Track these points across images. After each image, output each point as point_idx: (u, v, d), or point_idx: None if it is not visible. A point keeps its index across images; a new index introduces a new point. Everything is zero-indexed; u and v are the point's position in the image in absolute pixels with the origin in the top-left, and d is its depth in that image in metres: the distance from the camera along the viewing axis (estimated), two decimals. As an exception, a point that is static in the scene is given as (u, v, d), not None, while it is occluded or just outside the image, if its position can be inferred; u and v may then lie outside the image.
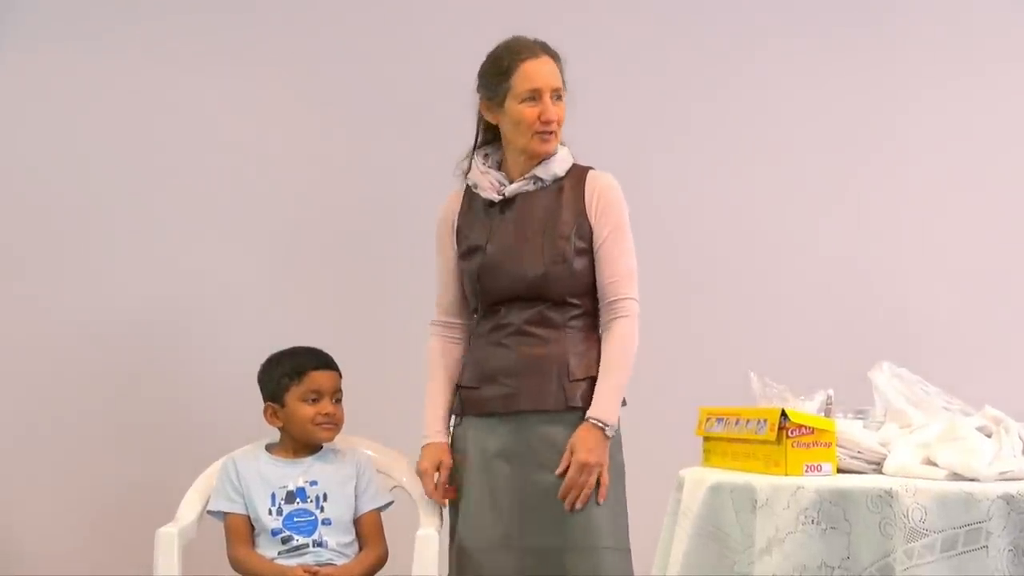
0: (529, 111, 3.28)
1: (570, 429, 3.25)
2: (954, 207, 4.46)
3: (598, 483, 3.24)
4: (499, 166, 3.40)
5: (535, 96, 3.28)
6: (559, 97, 3.31)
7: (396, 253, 4.29)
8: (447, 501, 3.42)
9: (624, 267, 3.31)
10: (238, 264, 4.32)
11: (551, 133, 3.31)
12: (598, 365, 3.29)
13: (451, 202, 3.46)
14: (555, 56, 3.33)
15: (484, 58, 3.36)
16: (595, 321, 3.36)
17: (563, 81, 3.32)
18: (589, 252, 3.31)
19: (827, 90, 4.47)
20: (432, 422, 3.41)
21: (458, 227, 3.42)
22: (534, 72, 3.28)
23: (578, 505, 3.21)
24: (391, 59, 4.36)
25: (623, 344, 3.28)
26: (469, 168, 3.42)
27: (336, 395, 3.55)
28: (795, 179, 4.45)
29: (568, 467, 3.22)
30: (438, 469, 3.37)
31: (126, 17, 4.31)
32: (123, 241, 4.29)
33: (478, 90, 3.37)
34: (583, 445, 3.22)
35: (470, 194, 3.42)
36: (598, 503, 3.25)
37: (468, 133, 3.42)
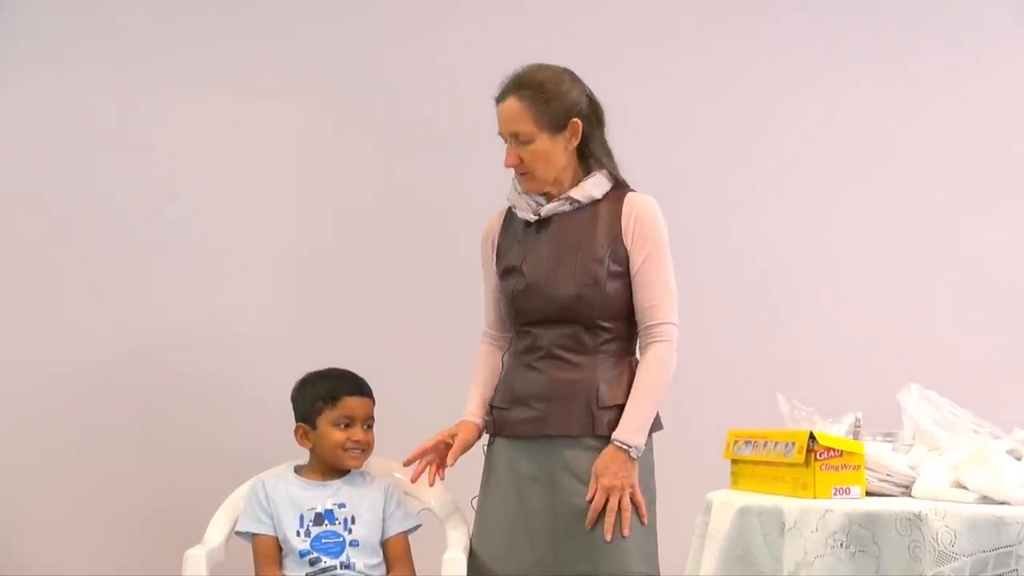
0: (505, 154, 3.32)
1: (596, 455, 3.23)
2: (984, 229, 4.44)
3: (634, 505, 3.21)
4: None
5: (504, 139, 3.31)
6: (525, 141, 3.26)
7: (429, 275, 4.30)
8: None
9: (663, 291, 3.28)
10: (269, 286, 4.33)
11: (523, 175, 3.31)
12: (629, 392, 3.26)
13: (493, 222, 3.47)
14: (525, 94, 3.26)
15: None
16: (628, 346, 3.34)
17: (536, 119, 3.25)
18: (623, 276, 3.29)
19: (859, 111, 4.47)
20: (470, 405, 3.44)
21: (497, 247, 3.43)
22: (499, 117, 3.31)
23: (608, 531, 3.17)
24: (422, 78, 4.38)
25: (658, 369, 3.26)
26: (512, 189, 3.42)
27: (368, 421, 3.55)
28: (824, 201, 4.44)
29: (596, 493, 3.20)
30: (450, 440, 3.39)
31: (161, 42, 4.33)
32: (153, 264, 4.31)
33: None
34: (607, 470, 3.20)
35: (510, 214, 3.43)
36: (643, 524, 3.22)
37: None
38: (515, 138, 3.28)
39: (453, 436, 3.39)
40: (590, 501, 3.20)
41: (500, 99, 3.30)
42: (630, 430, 3.21)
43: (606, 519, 3.18)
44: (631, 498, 3.20)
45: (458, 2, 4.44)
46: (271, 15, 4.40)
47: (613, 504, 3.18)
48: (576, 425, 3.25)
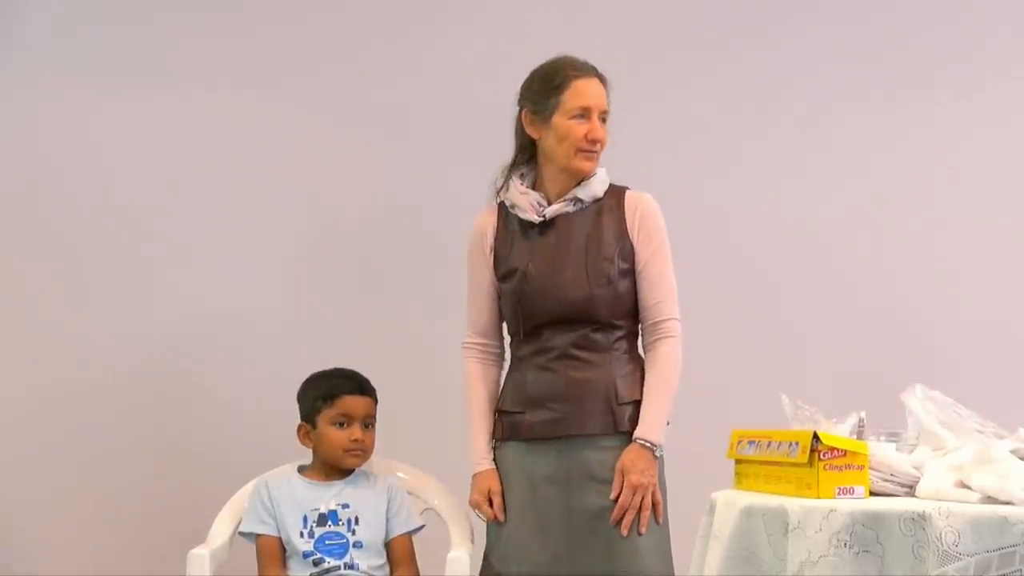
0: (578, 127, 3.26)
1: (618, 452, 3.23)
2: (989, 229, 4.44)
3: (652, 505, 3.22)
4: (533, 186, 3.38)
5: (584, 114, 3.27)
6: (604, 120, 3.30)
7: (431, 275, 4.29)
8: (486, 524, 3.38)
9: (667, 287, 3.30)
10: (273, 285, 4.34)
11: (594, 153, 3.29)
12: (642, 387, 3.27)
13: (484, 221, 3.43)
14: (604, 79, 3.33)
15: (530, 73, 3.35)
16: (636, 342, 3.35)
17: (609, 106, 3.32)
18: (631, 273, 3.30)
19: (864, 110, 4.46)
20: (479, 449, 3.36)
21: (495, 248, 3.39)
22: (586, 90, 3.28)
23: (627, 528, 3.17)
24: (421, 77, 4.38)
25: (670, 365, 3.27)
26: (503, 186, 3.40)
27: (367, 420, 3.54)
28: (829, 202, 4.44)
29: (621, 490, 3.20)
30: (490, 497, 3.32)
31: (160, 42, 4.35)
32: (157, 263, 4.31)
33: (522, 104, 3.35)
34: (634, 467, 3.20)
35: (505, 213, 3.40)
36: (658, 523, 3.23)
37: (497, 150, 3.41)
38: (602, 116, 3.30)
39: (488, 495, 3.33)
40: (615, 499, 3.20)
41: (585, 75, 3.30)
42: (651, 428, 3.22)
43: (627, 516, 3.19)
44: (652, 498, 3.22)
45: (458, 2, 4.44)
46: (267, 15, 4.40)
47: (637, 502, 3.19)
48: (597, 423, 3.24)
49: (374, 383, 3.57)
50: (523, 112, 3.35)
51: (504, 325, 3.43)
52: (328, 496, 3.51)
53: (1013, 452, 2.86)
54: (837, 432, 2.94)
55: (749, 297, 4.39)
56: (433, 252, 4.29)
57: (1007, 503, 2.68)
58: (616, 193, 3.36)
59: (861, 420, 3.05)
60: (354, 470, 3.55)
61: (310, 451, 3.57)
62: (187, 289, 4.31)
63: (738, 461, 3.19)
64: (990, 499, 2.70)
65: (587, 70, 3.31)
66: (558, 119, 3.28)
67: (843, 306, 4.41)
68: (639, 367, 3.31)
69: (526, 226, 3.36)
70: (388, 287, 4.35)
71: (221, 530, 3.54)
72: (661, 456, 3.26)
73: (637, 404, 3.26)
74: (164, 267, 4.32)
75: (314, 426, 3.52)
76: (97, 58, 4.33)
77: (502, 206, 3.41)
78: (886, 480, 2.90)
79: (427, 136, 4.37)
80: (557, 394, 3.27)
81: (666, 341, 3.28)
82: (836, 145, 4.47)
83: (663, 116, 4.39)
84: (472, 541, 3.49)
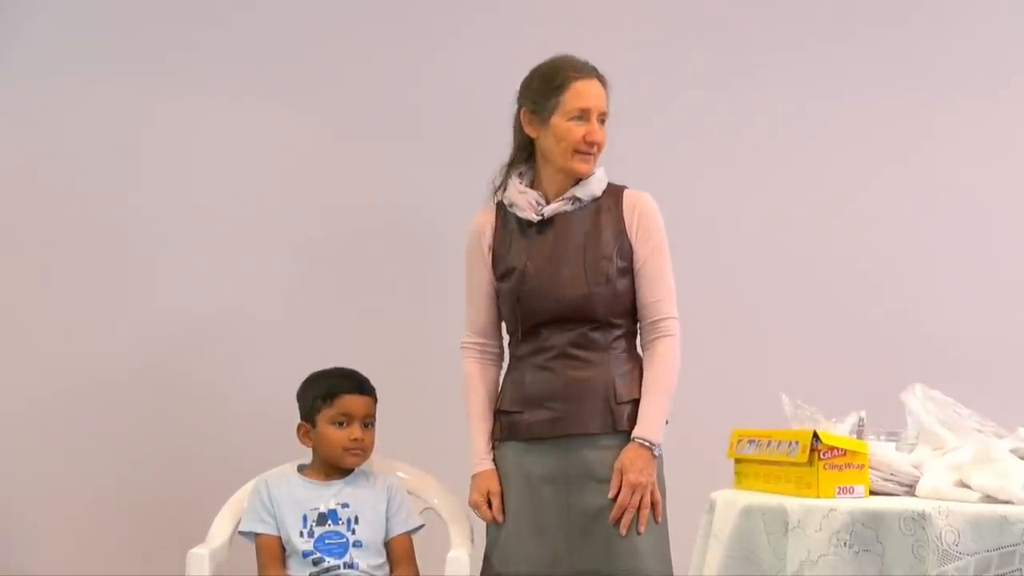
0: (576, 129, 3.26)
1: (617, 452, 3.23)
2: (988, 228, 4.44)
3: (651, 504, 3.22)
4: (531, 184, 3.38)
5: (583, 116, 3.27)
6: (603, 122, 3.30)
7: (429, 274, 4.29)
8: (486, 524, 3.38)
9: (666, 286, 3.30)
10: (273, 284, 4.34)
11: (591, 155, 3.29)
12: (641, 386, 3.27)
13: (482, 220, 3.42)
14: (604, 81, 3.32)
15: (530, 72, 3.35)
16: (634, 340, 3.35)
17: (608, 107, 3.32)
18: (629, 272, 3.30)
19: (865, 109, 4.46)
20: (478, 449, 3.36)
21: (493, 247, 3.39)
22: (586, 91, 3.27)
23: (627, 528, 3.18)
24: (422, 77, 4.38)
25: (668, 364, 3.27)
26: (501, 185, 3.40)
27: (367, 420, 3.54)
28: (830, 201, 4.44)
29: (620, 489, 3.20)
30: (489, 498, 3.33)
31: (160, 42, 4.35)
32: (158, 261, 4.32)
33: (521, 102, 3.34)
34: (633, 466, 3.20)
35: (503, 213, 3.40)
36: (656, 522, 3.23)
37: (496, 150, 3.41)
38: (600, 117, 3.30)
39: (487, 496, 3.33)
40: (613, 498, 3.20)
41: (585, 76, 3.29)
42: (650, 427, 3.22)
43: (625, 515, 3.19)
44: (650, 496, 3.22)
45: (457, 2, 4.44)
46: (268, 15, 4.40)
47: (635, 501, 3.19)
48: (597, 423, 3.24)
49: (374, 383, 3.57)
50: (522, 111, 3.34)
51: (503, 325, 3.43)
52: (328, 495, 3.51)
53: (1013, 451, 2.86)
54: (837, 431, 2.94)
55: (749, 296, 4.39)
56: (433, 252, 4.29)
57: (1007, 502, 2.68)
58: (614, 192, 3.35)
59: (861, 419, 3.05)
60: (354, 469, 3.55)
61: (310, 450, 3.57)
62: (187, 288, 4.31)
63: (738, 460, 3.19)
64: (990, 498, 2.70)
65: (588, 71, 3.30)
66: (557, 120, 3.28)
67: (843, 306, 4.41)
68: (638, 366, 3.31)
69: (524, 225, 3.35)
70: (388, 287, 4.34)
71: (221, 530, 3.54)
72: (660, 455, 3.26)
73: (636, 403, 3.26)
74: (164, 266, 4.32)
75: (314, 425, 3.52)
76: (93, 56, 4.33)
77: (500, 205, 3.41)
78: (886, 479, 2.90)
79: (426, 135, 4.37)
80: (556, 393, 3.27)
81: (664, 340, 3.28)
82: (837, 144, 4.46)
83: (666, 116, 4.39)
84: (472, 541, 3.49)
